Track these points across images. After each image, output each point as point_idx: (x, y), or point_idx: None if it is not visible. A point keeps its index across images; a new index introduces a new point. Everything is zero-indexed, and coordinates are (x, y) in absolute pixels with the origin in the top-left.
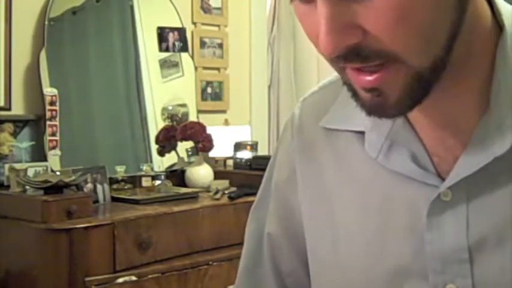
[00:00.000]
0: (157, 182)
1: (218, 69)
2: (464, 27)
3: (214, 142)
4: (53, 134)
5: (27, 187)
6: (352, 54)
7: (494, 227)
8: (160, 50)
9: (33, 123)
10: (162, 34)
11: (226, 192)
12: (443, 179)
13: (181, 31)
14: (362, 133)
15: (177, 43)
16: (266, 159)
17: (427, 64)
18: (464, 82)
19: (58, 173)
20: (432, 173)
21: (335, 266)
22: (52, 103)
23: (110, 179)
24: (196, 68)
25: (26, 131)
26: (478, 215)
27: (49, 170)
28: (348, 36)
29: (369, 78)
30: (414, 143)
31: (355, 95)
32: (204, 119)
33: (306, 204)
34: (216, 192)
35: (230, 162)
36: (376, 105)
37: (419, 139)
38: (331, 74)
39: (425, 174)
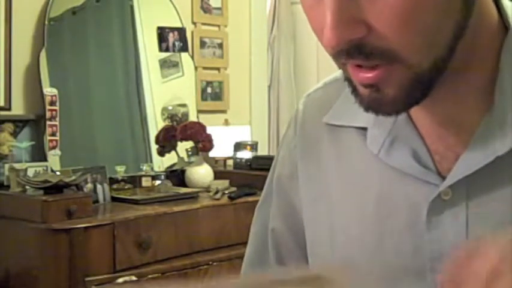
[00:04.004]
0: (157, 182)
1: (218, 69)
2: (469, 28)
3: (214, 142)
4: (53, 134)
5: (27, 187)
6: (354, 50)
7: (494, 227)
8: (160, 50)
9: (33, 123)
10: (162, 34)
11: (226, 192)
12: (443, 178)
13: (181, 31)
14: (364, 129)
15: (177, 43)
16: (266, 159)
17: (428, 65)
18: (468, 81)
19: (58, 173)
20: (433, 171)
21: (332, 260)
22: (52, 103)
23: (110, 179)
24: (196, 68)
25: (26, 131)
26: (478, 215)
27: (49, 170)
28: (352, 30)
29: (368, 75)
30: (416, 140)
31: (354, 90)
32: (204, 119)
33: (306, 199)
34: (216, 192)
35: (230, 162)
36: (373, 101)
37: (420, 136)
38: (331, 74)
39: (425, 172)
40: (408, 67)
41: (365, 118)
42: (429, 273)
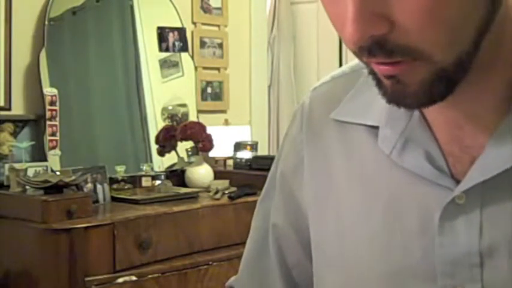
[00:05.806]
0: (157, 182)
1: (218, 69)
2: (493, 26)
3: (214, 142)
4: (53, 134)
5: (27, 187)
6: (376, 47)
7: (507, 233)
8: (160, 50)
9: (33, 123)
10: (162, 34)
11: (226, 192)
12: (457, 181)
13: (181, 31)
14: (375, 128)
15: (177, 43)
16: (266, 159)
17: (452, 60)
18: (488, 82)
19: (58, 173)
20: (446, 174)
21: (339, 259)
22: (52, 103)
23: (110, 179)
24: (196, 68)
25: (26, 131)
26: (491, 221)
27: (49, 170)
28: (375, 25)
29: (390, 67)
30: (430, 142)
31: (379, 83)
32: (204, 119)
33: (312, 195)
34: (216, 192)
35: (230, 162)
36: (396, 93)
37: (434, 138)
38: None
39: (439, 175)
40: (431, 63)
41: (376, 117)
42: (440, 277)
